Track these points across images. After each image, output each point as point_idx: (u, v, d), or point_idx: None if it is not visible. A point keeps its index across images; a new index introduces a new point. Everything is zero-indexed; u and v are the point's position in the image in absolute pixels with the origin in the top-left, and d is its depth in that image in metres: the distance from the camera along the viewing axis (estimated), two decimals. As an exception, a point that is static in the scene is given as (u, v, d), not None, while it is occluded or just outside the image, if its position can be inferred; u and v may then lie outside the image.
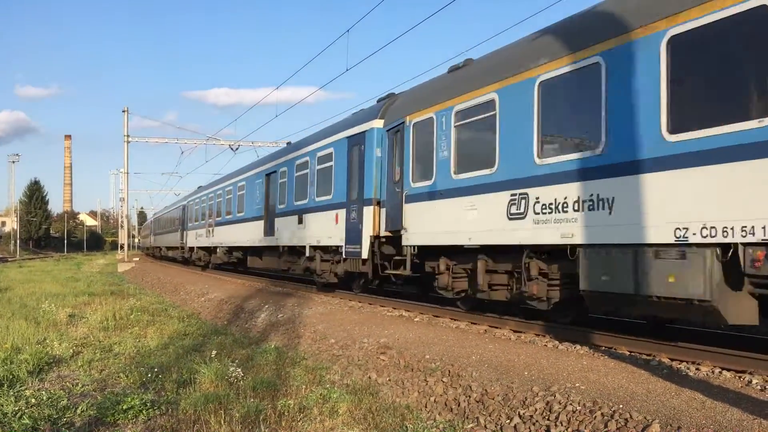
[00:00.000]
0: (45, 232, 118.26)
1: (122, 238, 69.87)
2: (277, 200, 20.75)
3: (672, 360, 7.58)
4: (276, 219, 20.53)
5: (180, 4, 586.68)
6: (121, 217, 79.09)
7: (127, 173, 48.87)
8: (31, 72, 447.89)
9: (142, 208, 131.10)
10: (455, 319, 11.90)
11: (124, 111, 45.62)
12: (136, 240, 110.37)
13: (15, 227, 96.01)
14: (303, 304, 14.74)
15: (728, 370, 6.94)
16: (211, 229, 30.78)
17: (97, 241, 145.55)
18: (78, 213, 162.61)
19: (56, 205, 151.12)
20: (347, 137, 15.73)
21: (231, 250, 27.53)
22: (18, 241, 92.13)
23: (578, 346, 8.67)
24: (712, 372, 6.89)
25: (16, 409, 7.02)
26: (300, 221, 18.16)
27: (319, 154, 17.43)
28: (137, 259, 56.00)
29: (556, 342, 9.10)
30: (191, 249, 36.72)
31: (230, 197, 27.72)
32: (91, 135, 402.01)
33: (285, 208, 19.81)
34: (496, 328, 10.68)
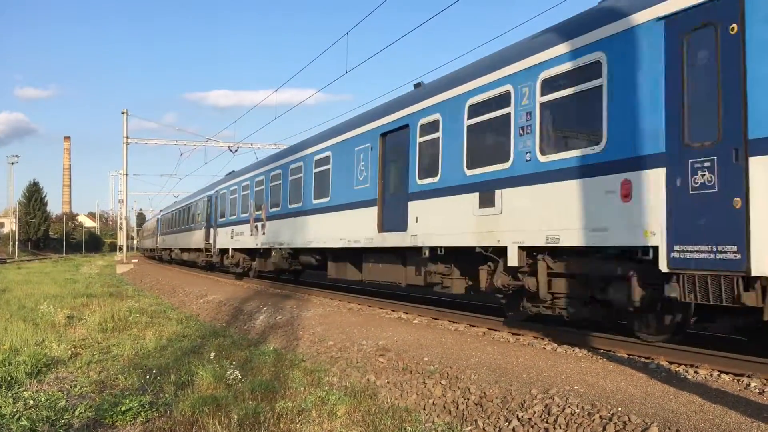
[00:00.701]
0: (44, 233, 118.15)
1: (121, 239, 69.88)
2: (411, 173, 12.54)
3: (670, 363, 7.59)
4: (412, 204, 12.47)
5: (180, 6, 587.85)
6: (120, 218, 79.11)
7: (126, 175, 48.93)
8: (31, 73, 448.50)
9: (141, 209, 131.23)
10: (454, 322, 11.90)
11: (123, 113, 45.68)
12: (135, 242, 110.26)
13: (14, 228, 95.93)
14: (302, 306, 14.74)
15: (726, 373, 6.95)
16: (258, 224, 22.23)
17: (95, 243, 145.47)
18: (77, 214, 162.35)
19: (55, 207, 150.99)
20: (681, 12, 7.37)
21: (297, 252, 19.44)
22: (17, 243, 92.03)
23: (577, 349, 8.68)
24: (711, 375, 6.90)
25: (15, 410, 7.03)
26: (487, 203, 10.26)
27: (550, 73, 9.11)
28: (136, 260, 55.98)
29: (555, 345, 9.11)
30: (223, 251, 28.05)
31: (298, 178, 18.61)
32: (91, 136, 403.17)
33: (437, 184, 11.70)
34: (495, 330, 10.68)
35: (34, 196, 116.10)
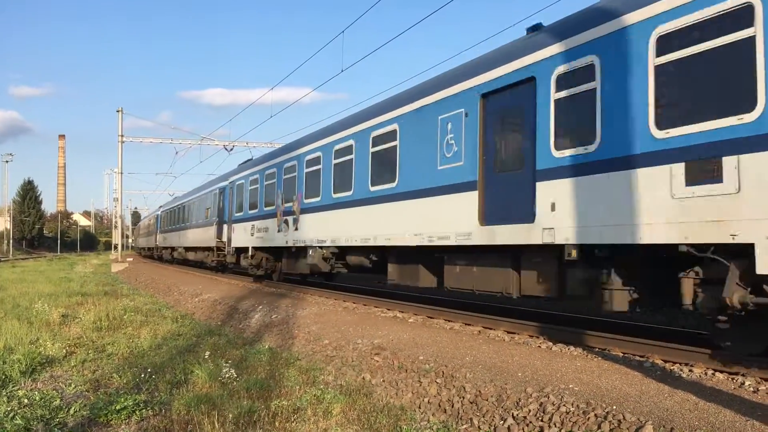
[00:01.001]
0: (38, 232, 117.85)
1: (116, 238, 69.75)
2: (540, 142, 9.21)
3: (665, 361, 7.61)
4: (543, 185, 9.15)
5: (176, 5, 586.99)
6: (115, 217, 78.95)
7: (121, 173, 48.74)
8: (26, 72, 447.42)
9: (135, 208, 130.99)
10: (449, 320, 11.90)
11: (118, 111, 45.55)
12: (130, 240, 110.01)
13: (8, 227, 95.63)
14: (297, 305, 14.73)
15: (721, 371, 6.97)
16: (289, 219, 18.62)
17: (90, 242, 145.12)
18: (71, 213, 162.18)
19: (50, 205, 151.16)
20: None
21: (343, 252, 15.83)
22: (11, 241, 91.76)
23: (572, 348, 8.69)
24: (705, 373, 6.92)
25: (9, 409, 7.01)
26: (704, 177, 6.98)
27: None
28: (131, 259, 55.83)
29: (550, 343, 9.12)
30: (239, 251, 24.61)
31: (347, 161, 14.99)
32: (86, 135, 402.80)
33: (593, 155, 8.41)
34: (490, 329, 10.69)
35: (28, 194, 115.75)
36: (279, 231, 19.52)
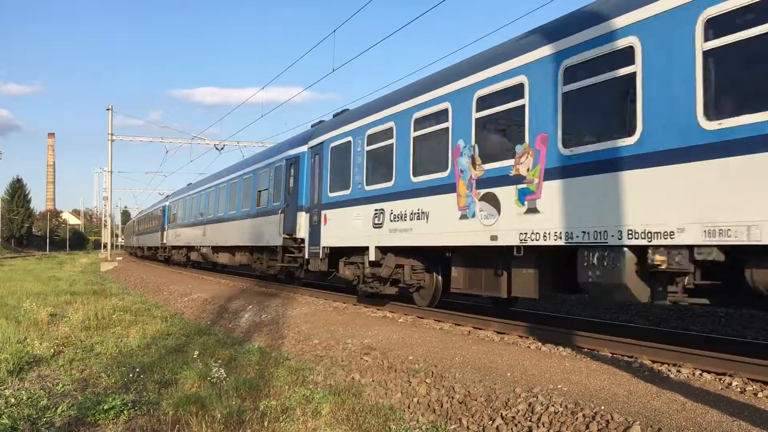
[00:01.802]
0: (27, 230, 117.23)
1: (105, 237, 69.41)
2: None
3: (653, 362, 7.64)
4: None
5: (167, 3, 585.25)
6: (105, 216, 78.54)
7: (111, 172, 48.51)
8: (15, 69, 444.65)
9: (125, 207, 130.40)
10: (439, 321, 11.91)
11: (108, 109, 45.35)
12: (120, 239, 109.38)
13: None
14: (287, 305, 14.69)
15: (709, 372, 7.01)
16: (504, 193, 9.35)
17: (79, 240, 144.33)
18: (61, 212, 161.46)
19: (39, 204, 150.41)
20: None
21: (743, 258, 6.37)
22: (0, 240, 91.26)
23: (561, 348, 8.71)
24: (693, 374, 6.95)
25: (-5, 409, 6.95)
26: None
27: None
28: (120, 258, 55.52)
29: (539, 344, 9.14)
30: (338, 252, 14.95)
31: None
32: (75, 133, 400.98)
33: None
34: (480, 329, 10.70)
35: (17, 192, 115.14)
36: (465, 216, 10.29)
